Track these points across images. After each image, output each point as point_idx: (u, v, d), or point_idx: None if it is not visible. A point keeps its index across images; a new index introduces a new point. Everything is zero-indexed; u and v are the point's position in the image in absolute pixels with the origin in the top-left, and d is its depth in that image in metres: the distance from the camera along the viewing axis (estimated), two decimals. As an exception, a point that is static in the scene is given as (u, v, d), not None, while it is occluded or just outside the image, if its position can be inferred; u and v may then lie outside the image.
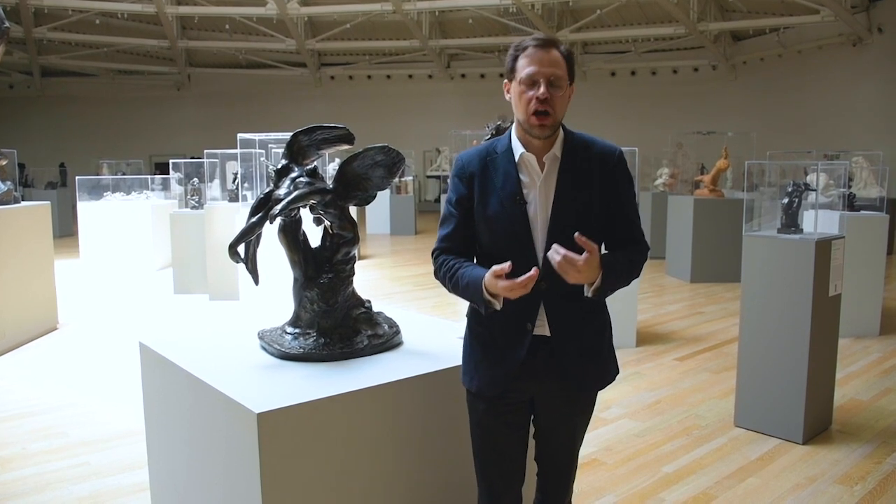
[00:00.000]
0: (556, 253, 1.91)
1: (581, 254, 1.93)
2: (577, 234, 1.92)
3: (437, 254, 2.23)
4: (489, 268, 2.09)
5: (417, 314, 3.36)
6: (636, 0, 20.65)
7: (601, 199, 2.11)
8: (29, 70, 25.31)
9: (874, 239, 6.95)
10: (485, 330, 2.19)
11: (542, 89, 2.00)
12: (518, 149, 2.12)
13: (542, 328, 2.12)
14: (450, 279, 2.15)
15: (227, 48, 25.08)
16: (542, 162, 2.11)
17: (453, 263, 2.15)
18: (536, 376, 2.14)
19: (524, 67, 2.03)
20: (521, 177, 2.10)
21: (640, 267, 2.16)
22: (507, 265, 1.94)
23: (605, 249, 2.17)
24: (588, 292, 2.02)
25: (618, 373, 2.29)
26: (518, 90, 2.05)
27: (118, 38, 23.72)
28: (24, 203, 7.06)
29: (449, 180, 2.25)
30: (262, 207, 2.54)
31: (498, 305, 2.05)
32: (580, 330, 2.14)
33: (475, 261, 2.22)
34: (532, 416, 2.28)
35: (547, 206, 2.08)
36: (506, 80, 2.13)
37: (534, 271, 1.92)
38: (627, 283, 2.13)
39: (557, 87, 2.02)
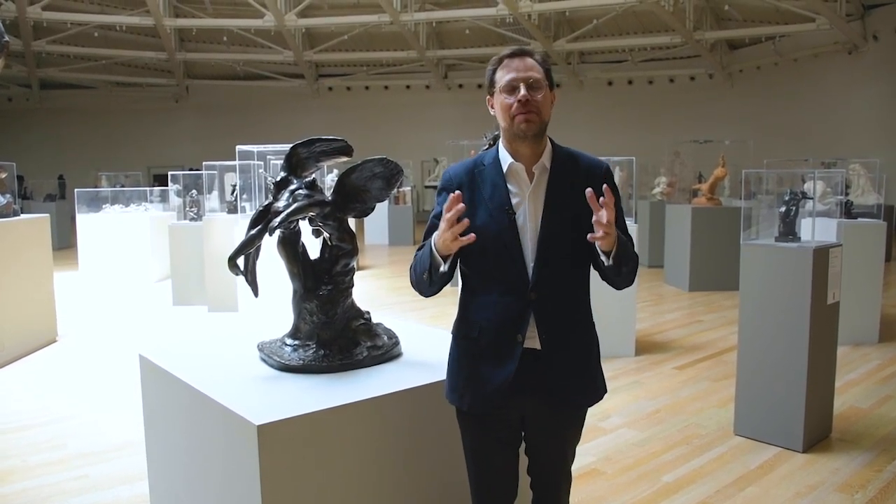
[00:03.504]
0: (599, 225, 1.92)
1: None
2: (588, 190, 1.93)
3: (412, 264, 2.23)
4: (478, 284, 2.14)
5: (416, 325, 3.37)
6: (632, 9, 20.74)
7: (589, 212, 2.06)
8: (28, 83, 25.38)
9: (872, 246, 6.96)
10: (473, 345, 2.15)
11: (522, 92, 2.03)
12: (506, 160, 2.12)
13: (532, 341, 2.09)
14: (412, 267, 2.17)
15: (225, 60, 25.18)
16: (530, 172, 2.11)
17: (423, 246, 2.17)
18: (527, 391, 2.11)
19: (502, 77, 2.07)
20: (510, 187, 2.11)
21: (635, 268, 2.13)
22: (454, 197, 1.94)
23: (595, 261, 2.14)
24: (608, 260, 2.00)
25: (606, 392, 2.27)
26: (500, 99, 2.08)
27: (117, 51, 23.82)
28: (23, 215, 7.06)
29: (436, 195, 2.24)
30: (262, 220, 2.55)
31: (443, 266, 2.04)
32: (569, 343, 2.12)
33: (462, 277, 2.22)
34: (523, 432, 2.26)
35: (537, 215, 2.09)
36: (488, 96, 2.16)
37: (457, 197, 1.93)
38: (629, 275, 2.10)
39: (537, 89, 2.05)
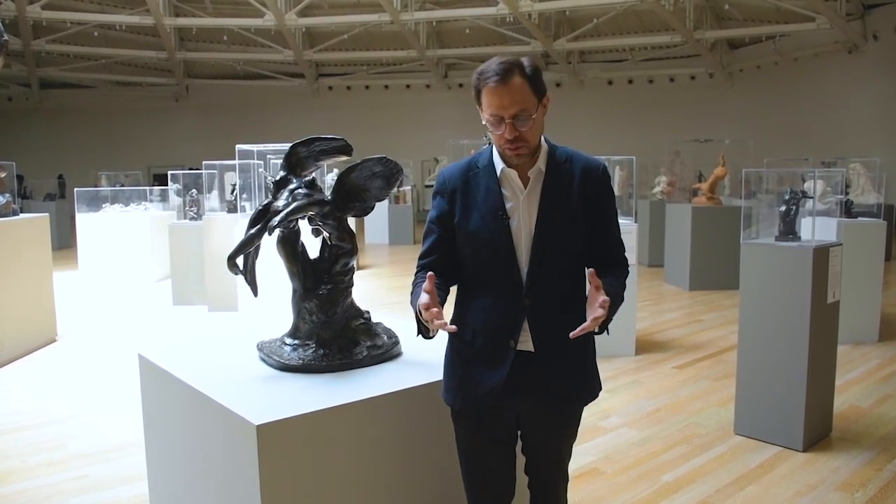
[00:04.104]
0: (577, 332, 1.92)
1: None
2: (590, 272, 1.92)
3: (416, 269, 2.22)
4: (473, 287, 2.12)
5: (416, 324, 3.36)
6: (633, 9, 20.73)
7: (584, 215, 2.08)
8: (27, 82, 25.37)
9: (872, 245, 6.95)
10: (466, 346, 2.15)
11: (507, 131, 1.97)
12: (499, 164, 2.09)
13: (526, 343, 2.08)
14: (411, 294, 2.15)
15: (226, 59, 25.17)
16: (525, 176, 2.08)
17: (419, 280, 2.14)
18: (520, 393, 2.09)
19: (487, 105, 1.99)
20: (504, 191, 2.08)
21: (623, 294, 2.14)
22: (426, 283, 1.96)
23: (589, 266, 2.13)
24: (595, 329, 1.97)
25: (601, 389, 2.25)
26: (487, 123, 2.03)
27: (116, 50, 23.80)
28: (22, 215, 7.06)
29: (431, 197, 2.23)
30: (261, 219, 2.55)
31: (431, 334, 2.06)
32: (564, 346, 2.06)
33: (460, 279, 2.21)
34: (519, 431, 2.26)
35: (530, 220, 2.06)
36: (476, 104, 2.06)
37: (450, 328, 1.93)
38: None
39: (524, 119, 1.97)
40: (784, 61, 21.16)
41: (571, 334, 1.92)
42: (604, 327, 2.02)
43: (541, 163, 2.08)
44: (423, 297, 1.96)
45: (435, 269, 2.11)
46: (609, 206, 2.16)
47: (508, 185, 2.09)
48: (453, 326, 1.93)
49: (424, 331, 2.07)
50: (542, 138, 2.11)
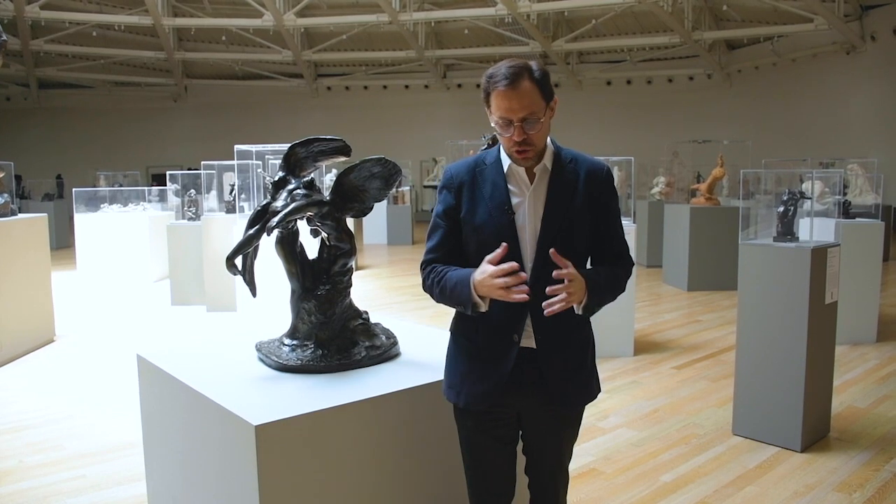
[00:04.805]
0: (549, 305, 1.94)
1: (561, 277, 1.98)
2: (551, 250, 1.95)
3: (425, 265, 2.22)
4: None
5: (415, 325, 3.37)
6: (631, 10, 20.75)
7: (589, 214, 2.12)
8: (26, 82, 25.36)
9: (870, 246, 6.97)
10: (470, 343, 2.18)
11: (516, 133, 2.00)
12: (506, 161, 2.12)
13: (528, 340, 2.11)
14: (437, 284, 2.14)
15: (224, 59, 25.16)
16: (531, 173, 2.11)
17: (441, 269, 2.15)
18: (522, 390, 2.13)
19: (496, 108, 2.01)
20: (510, 187, 2.11)
21: (625, 282, 2.18)
22: (500, 251, 1.95)
23: (591, 264, 2.19)
24: (578, 310, 2.03)
25: (600, 391, 2.27)
26: (496, 125, 2.05)
27: (115, 50, 23.79)
28: (20, 215, 7.04)
29: (437, 192, 2.25)
30: (260, 219, 2.55)
31: (484, 307, 2.03)
32: (565, 343, 2.13)
33: None
34: (520, 431, 2.27)
35: (536, 216, 2.09)
36: (484, 104, 2.08)
37: (522, 297, 1.92)
38: (613, 299, 2.15)
39: (533, 122, 2.00)
40: (782, 62, 21.19)
41: (546, 311, 1.94)
42: (587, 310, 2.05)
43: (546, 160, 2.11)
44: (489, 268, 1.97)
45: (444, 263, 2.15)
46: (613, 206, 2.19)
47: (515, 181, 2.12)
48: (525, 296, 1.93)
49: (475, 305, 2.05)
50: (549, 139, 2.14)
